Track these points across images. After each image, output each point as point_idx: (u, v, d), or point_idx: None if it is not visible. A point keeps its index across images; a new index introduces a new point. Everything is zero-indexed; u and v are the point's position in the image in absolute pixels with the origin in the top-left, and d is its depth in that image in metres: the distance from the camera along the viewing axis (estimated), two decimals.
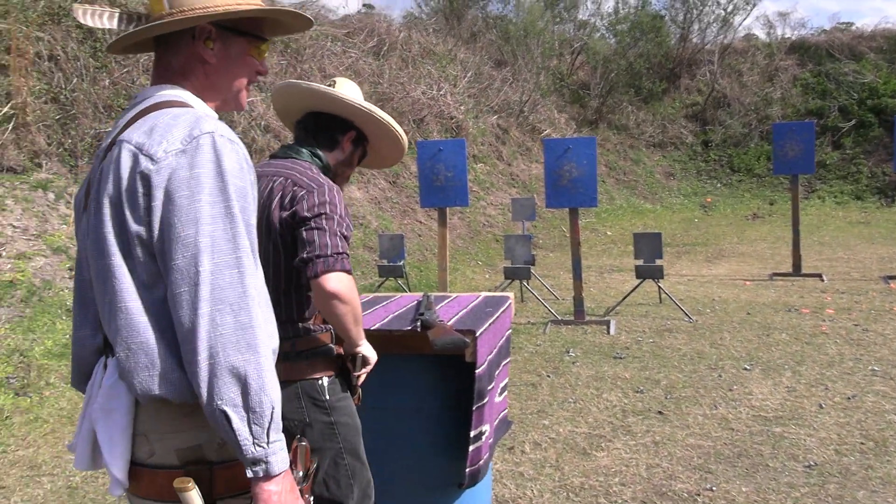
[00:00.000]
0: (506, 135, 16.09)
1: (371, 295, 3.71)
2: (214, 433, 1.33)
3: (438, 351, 2.50)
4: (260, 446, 1.26)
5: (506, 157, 15.41)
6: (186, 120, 1.33)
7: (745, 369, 5.58)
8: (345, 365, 2.26)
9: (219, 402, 1.24)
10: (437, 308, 3.14)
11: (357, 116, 2.34)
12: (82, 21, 1.45)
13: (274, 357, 1.33)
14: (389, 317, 3.01)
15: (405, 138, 2.44)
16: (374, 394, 2.87)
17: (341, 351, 2.27)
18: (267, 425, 1.27)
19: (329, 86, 2.33)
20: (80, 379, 1.49)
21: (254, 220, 1.34)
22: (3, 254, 6.17)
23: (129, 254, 1.31)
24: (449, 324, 2.80)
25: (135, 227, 1.29)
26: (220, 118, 1.58)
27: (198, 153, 1.29)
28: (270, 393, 1.28)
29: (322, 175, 2.22)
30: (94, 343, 1.44)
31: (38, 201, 6.84)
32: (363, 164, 2.54)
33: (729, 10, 21.93)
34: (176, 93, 1.44)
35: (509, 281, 8.23)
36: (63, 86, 7.90)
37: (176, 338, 1.29)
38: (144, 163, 1.28)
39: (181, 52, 1.46)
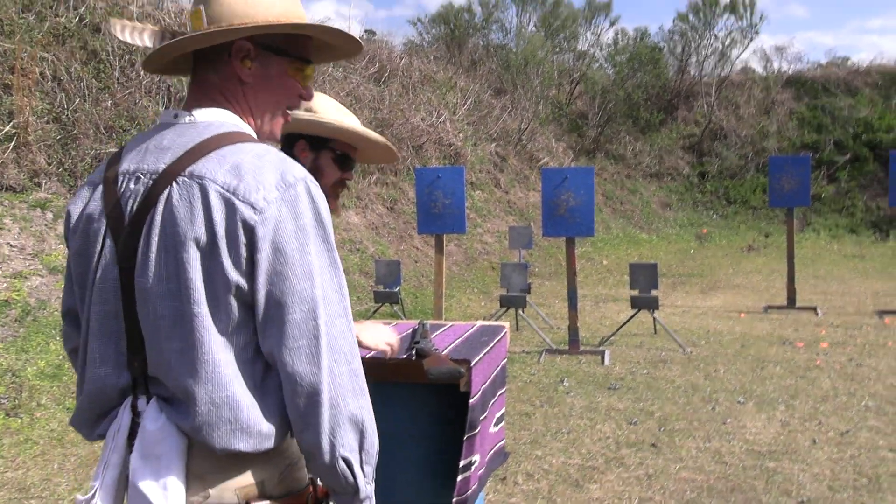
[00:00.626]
0: (504, 162, 16.19)
1: (367, 322, 3.72)
2: (277, 468, 1.33)
3: (433, 381, 2.51)
4: (370, 484, 1.32)
5: (503, 185, 15.49)
6: (273, 162, 1.28)
7: (739, 402, 5.58)
8: None
9: (341, 451, 1.26)
10: (433, 336, 3.15)
11: (295, 127, 2.25)
12: (120, 37, 1.41)
13: None
14: None
15: (359, 129, 2.29)
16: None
17: None
18: (374, 464, 1.33)
19: None
20: (91, 420, 1.38)
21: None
22: (0, 273, 6.17)
23: (217, 303, 1.24)
24: (444, 353, 2.81)
25: (234, 276, 1.23)
26: None
27: (298, 202, 1.25)
28: (375, 432, 1.33)
29: None
30: (119, 383, 1.33)
31: (36, 220, 6.86)
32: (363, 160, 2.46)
33: (726, 43, 22.25)
34: (233, 120, 1.39)
35: (505, 309, 8.24)
36: (65, 106, 7.95)
37: (257, 391, 1.27)
38: (245, 211, 1.22)
39: (220, 71, 1.39)
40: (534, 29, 21.90)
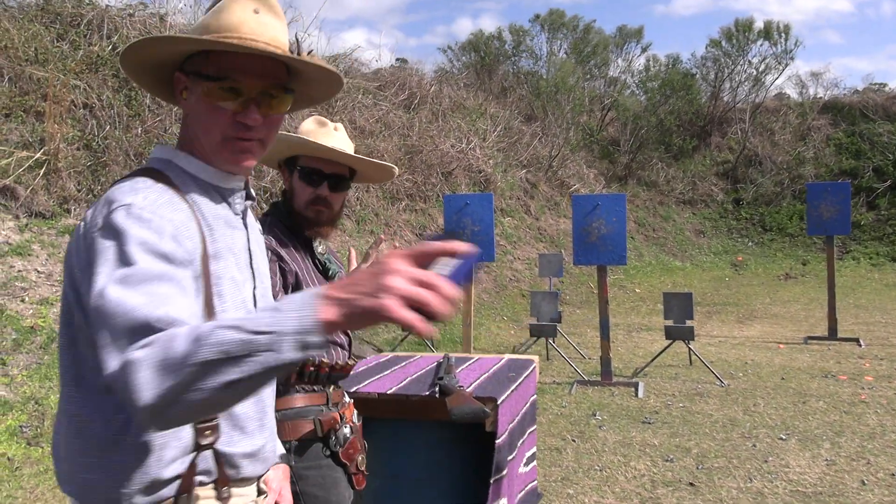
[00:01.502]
0: (534, 189, 16.04)
1: (391, 354, 3.59)
2: None
3: (456, 420, 2.36)
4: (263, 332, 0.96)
5: (534, 212, 15.33)
6: (114, 190, 1.25)
7: (781, 439, 5.32)
8: (328, 430, 2.10)
9: None
10: (458, 371, 3.01)
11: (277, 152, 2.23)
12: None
13: None
14: (407, 380, 2.88)
15: (331, 145, 2.17)
16: (388, 461, 2.73)
17: (333, 417, 2.12)
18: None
19: None
20: None
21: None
22: (27, 299, 6.15)
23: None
24: (469, 390, 2.66)
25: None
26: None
27: (112, 219, 1.20)
28: None
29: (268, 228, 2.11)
30: None
31: (64, 247, 6.85)
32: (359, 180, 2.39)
33: (761, 69, 21.96)
34: (158, 154, 1.38)
35: (535, 338, 8.05)
36: (96, 133, 7.99)
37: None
38: (88, 234, 1.24)
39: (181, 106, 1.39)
40: (564, 55, 21.84)
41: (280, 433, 2.04)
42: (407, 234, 11.57)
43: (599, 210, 7.05)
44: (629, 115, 20.46)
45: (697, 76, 22.26)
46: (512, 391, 2.83)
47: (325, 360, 2.12)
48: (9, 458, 4.72)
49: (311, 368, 2.09)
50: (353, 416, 2.24)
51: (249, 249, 1.40)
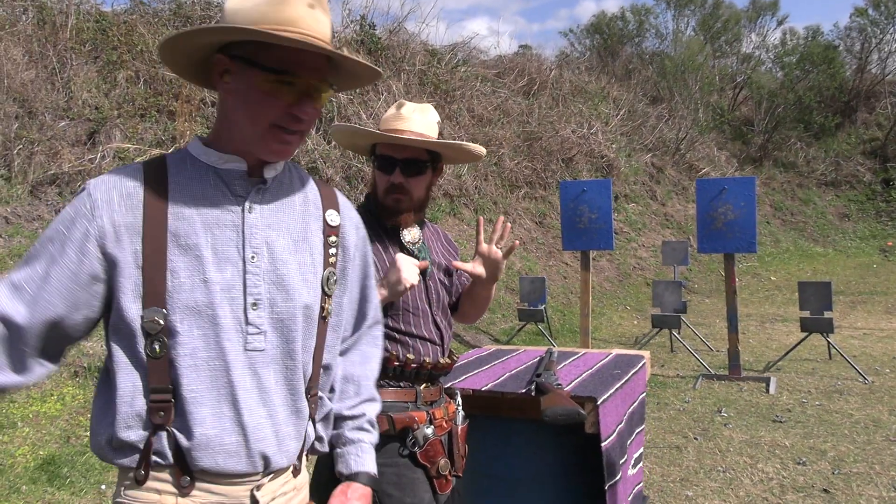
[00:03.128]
0: (660, 174, 15.45)
1: (493, 347, 3.49)
2: None
3: (549, 422, 2.23)
4: None
5: (660, 197, 14.76)
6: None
7: None
8: (404, 429, 2.01)
9: None
10: (559, 367, 2.87)
11: (366, 139, 2.17)
12: None
13: None
14: (505, 375, 2.77)
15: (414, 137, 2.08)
16: (485, 461, 2.63)
17: (411, 415, 2.02)
18: None
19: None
20: None
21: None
22: None
23: None
24: (568, 388, 2.52)
25: None
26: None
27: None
28: None
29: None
30: None
31: None
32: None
33: None
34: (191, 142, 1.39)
35: (658, 329, 7.72)
36: None
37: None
38: None
39: (217, 89, 1.36)
40: (692, 33, 20.90)
41: None
42: (526, 222, 11.41)
43: (726, 195, 6.65)
44: (764, 92, 19.34)
45: (841, 48, 20.76)
46: (616, 390, 2.66)
47: (411, 357, 2.04)
48: None
49: (396, 364, 2.03)
50: (453, 416, 2.13)
51: (243, 231, 1.33)
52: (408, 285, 1.95)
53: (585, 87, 16.05)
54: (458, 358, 2.29)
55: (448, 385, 2.61)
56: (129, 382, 1.26)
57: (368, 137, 2.13)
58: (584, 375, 2.75)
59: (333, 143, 9.17)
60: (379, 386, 2.02)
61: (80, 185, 7.01)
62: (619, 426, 2.67)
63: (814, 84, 19.57)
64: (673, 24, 21.39)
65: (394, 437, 1.99)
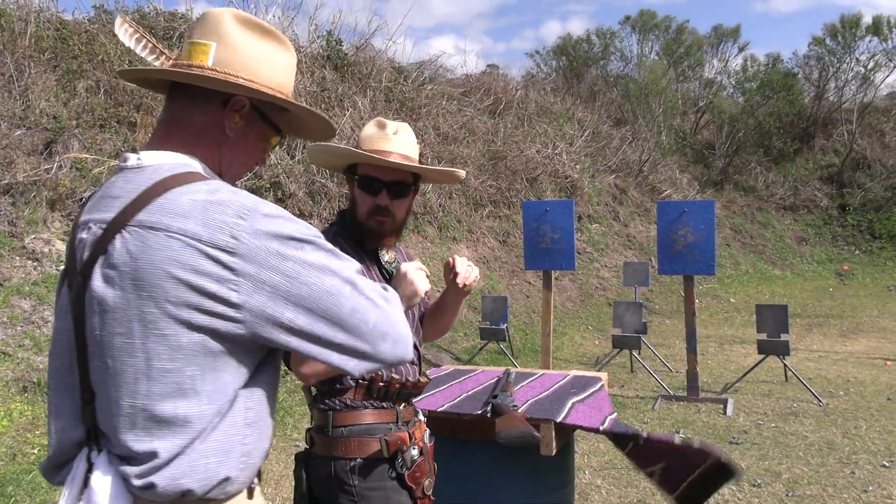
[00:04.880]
0: (623, 195, 15.62)
1: (452, 367, 3.46)
2: None
3: (503, 444, 2.20)
4: None
5: (622, 218, 14.92)
6: (226, 197, 1.23)
7: (884, 466, 4.90)
8: (393, 453, 1.98)
9: None
10: (517, 388, 2.85)
11: (347, 160, 2.15)
12: (118, 34, 1.42)
13: None
14: (462, 396, 2.74)
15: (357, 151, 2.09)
16: (442, 483, 2.60)
17: (400, 437, 2.00)
18: None
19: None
20: (52, 469, 1.34)
21: None
22: None
23: (189, 361, 1.18)
24: (523, 409, 2.50)
25: (204, 330, 1.19)
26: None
27: (270, 222, 1.25)
28: None
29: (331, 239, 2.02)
30: (74, 436, 1.28)
31: None
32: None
33: (869, 67, 20.78)
34: (181, 160, 1.32)
35: (618, 350, 7.77)
36: None
37: (218, 436, 1.23)
38: (218, 255, 1.17)
39: (207, 113, 1.35)
40: (656, 57, 21.25)
41: (345, 450, 1.96)
42: (490, 240, 11.43)
43: (686, 217, 6.73)
44: (725, 117, 19.71)
45: (799, 76, 21.26)
46: (573, 405, 2.65)
47: (396, 377, 2.02)
48: None
49: (381, 384, 2.00)
50: (425, 436, 2.12)
51: None
52: (423, 294, 1.94)
53: (551, 107, 16.20)
54: (430, 377, 2.28)
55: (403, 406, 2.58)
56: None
57: (352, 158, 2.10)
58: (540, 396, 2.73)
59: (297, 158, 9.10)
60: (363, 408, 1.99)
61: (34, 196, 6.90)
62: (610, 417, 2.66)
63: (773, 110, 19.99)
64: (637, 48, 21.76)
65: (384, 459, 1.97)
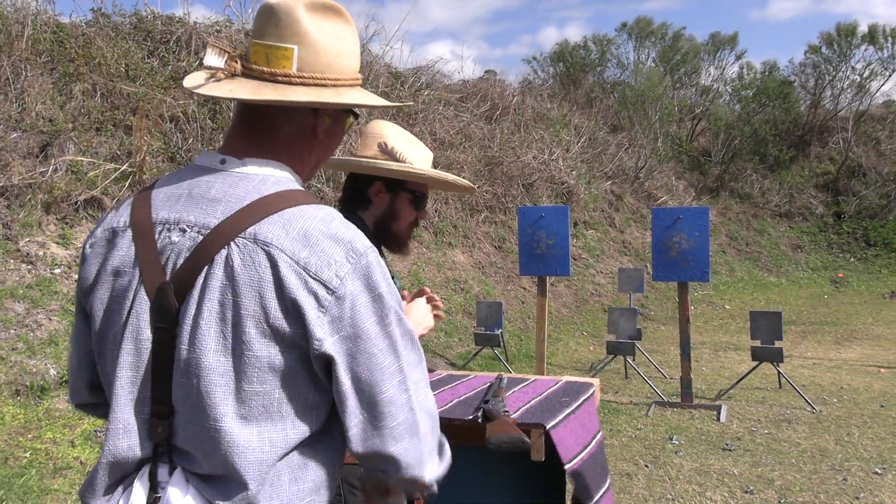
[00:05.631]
0: (619, 201, 15.66)
1: (444, 372, 3.47)
2: None
3: (493, 450, 2.21)
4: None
5: (618, 224, 14.95)
6: (340, 231, 1.19)
7: (877, 473, 4.91)
8: None
9: None
10: (508, 394, 2.85)
11: (371, 171, 2.13)
12: (208, 62, 1.28)
13: None
14: (454, 401, 2.75)
15: (442, 175, 2.22)
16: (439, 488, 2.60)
17: None
18: None
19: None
20: (102, 489, 1.23)
21: None
22: None
23: (278, 385, 1.17)
24: (515, 415, 2.51)
25: (293, 356, 1.16)
26: None
27: (371, 274, 1.19)
28: None
29: None
30: (141, 454, 1.20)
31: None
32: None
33: (865, 75, 20.85)
34: (284, 174, 1.27)
35: (613, 356, 7.78)
36: (180, 145, 8.23)
37: (308, 472, 1.22)
38: (319, 290, 1.14)
39: (295, 120, 1.29)
40: (652, 64, 21.32)
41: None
42: (486, 246, 11.45)
43: (681, 224, 6.75)
44: (721, 124, 19.75)
45: (796, 84, 21.34)
46: (567, 416, 2.66)
47: None
48: (81, 462, 4.84)
49: None
50: None
51: None
52: (426, 331, 2.04)
53: (547, 113, 16.24)
54: None
55: None
56: None
57: (440, 183, 2.27)
58: (532, 402, 2.74)
59: None
60: None
61: (29, 198, 6.90)
62: (588, 450, 2.66)
63: (769, 118, 20.06)
64: (634, 55, 21.82)
65: None
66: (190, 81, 1.29)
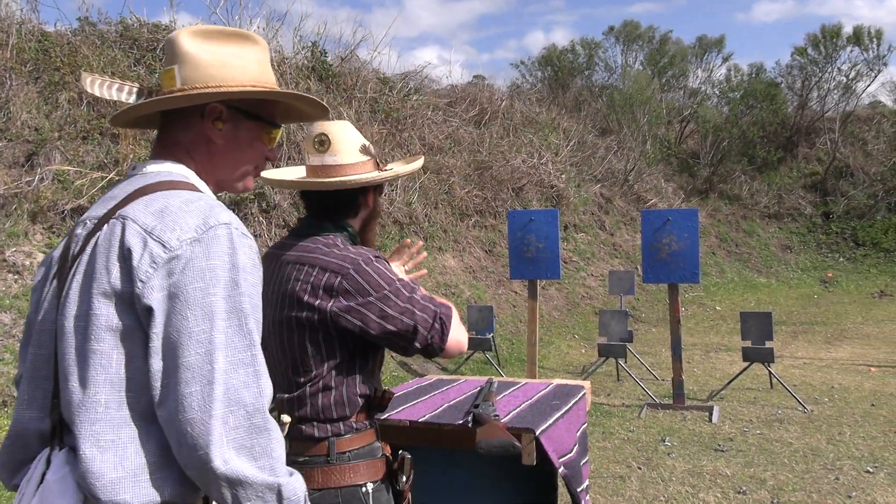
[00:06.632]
0: (609, 204, 15.69)
1: (435, 377, 3.45)
2: None
3: (484, 454, 2.19)
4: None
5: (608, 227, 14.97)
6: (200, 207, 1.26)
7: (868, 472, 4.91)
8: (391, 468, 1.94)
9: None
10: (499, 398, 2.84)
11: (370, 184, 2.05)
12: (89, 90, 1.43)
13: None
14: (444, 406, 2.73)
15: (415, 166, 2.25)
16: (425, 493, 2.58)
17: (387, 450, 1.98)
18: None
19: (320, 146, 1.99)
20: (11, 466, 1.31)
21: (261, 318, 1.27)
22: None
23: (119, 342, 1.19)
24: (506, 419, 2.49)
25: (131, 317, 1.19)
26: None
27: (213, 244, 1.21)
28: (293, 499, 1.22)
29: (351, 246, 1.95)
30: (40, 427, 1.25)
31: None
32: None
33: (851, 76, 20.99)
34: (180, 170, 1.38)
35: (604, 358, 7.77)
36: None
37: (153, 439, 1.19)
38: (155, 248, 1.20)
39: (189, 129, 1.40)
40: (640, 67, 21.40)
41: (354, 475, 1.84)
42: (476, 250, 11.43)
43: (670, 226, 6.76)
44: (710, 126, 19.85)
45: (782, 85, 21.47)
46: (557, 419, 2.64)
47: (388, 390, 1.98)
48: None
49: (381, 401, 1.94)
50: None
51: None
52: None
53: (536, 117, 16.26)
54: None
55: (385, 416, 2.56)
56: None
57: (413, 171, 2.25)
58: (522, 406, 2.72)
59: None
60: (365, 429, 1.92)
61: (15, 208, 6.85)
62: (570, 455, 2.65)
63: (757, 119, 20.16)
64: (622, 59, 21.90)
65: (382, 478, 1.91)
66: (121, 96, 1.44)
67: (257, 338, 1.23)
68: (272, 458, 1.20)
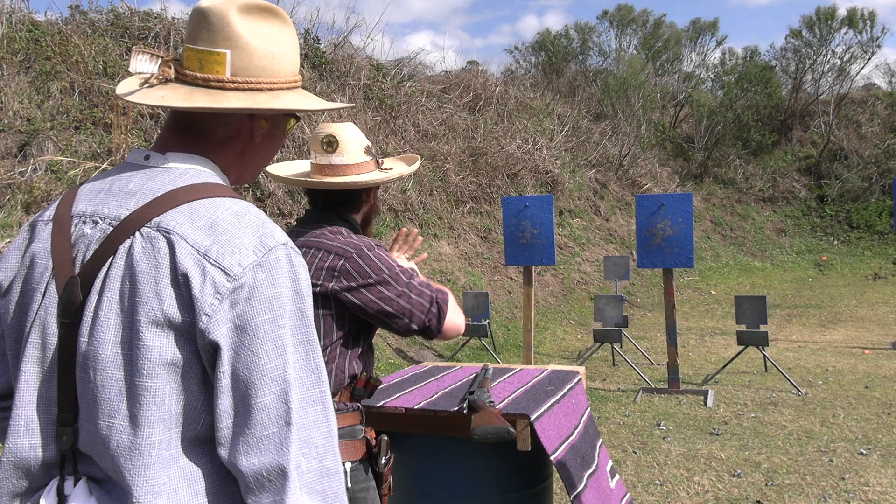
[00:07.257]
0: (604, 189, 15.69)
1: (430, 364, 3.47)
2: None
3: (478, 441, 2.21)
4: None
5: (603, 213, 14.98)
6: (252, 222, 1.13)
7: (861, 454, 4.96)
8: (371, 449, 2.04)
9: None
10: (494, 385, 2.85)
11: (377, 184, 2.21)
12: (135, 68, 1.25)
13: None
14: (439, 393, 2.74)
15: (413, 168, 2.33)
16: (420, 479, 2.60)
17: (372, 434, 2.05)
18: None
19: (328, 146, 2.11)
20: (7, 500, 1.17)
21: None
22: None
23: (169, 379, 1.08)
24: (501, 405, 2.51)
25: (187, 349, 1.08)
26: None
27: (276, 269, 1.10)
28: None
29: (354, 235, 2.09)
30: (45, 456, 1.13)
31: None
32: None
33: (845, 59, 20.97)
34: (210, 168, 1.24)
35: (600, 344, 7.80)
36: None
37: (202, 476, 1.11)
38: (217, 276, 1.07)
39: (231, 124, 1.26)
40: (634, 52, 21.34)
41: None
42: (471, 237, 11.44)
43: (664, 210, 6.77)
44: (704, 110, 19.82)
45: (777, 68, 21.41)
46: (552, 405, 2.66)
47: (374, 375, 2.09)
48: None
49: (367, 384, 2.05)
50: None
51: None
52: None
53: (530, 103, 16.23)
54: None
55: (381, 403, 2.58)
56: None
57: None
58: (517, 392, 2.74)
59: (276, 158, 9.05)
60: (347, 410, 2.00)
61: (8, 199, 6.83)
62: (570, 440, 2.66)
63: (752, 103, 20.14)
64: (616, 43, 21.84)
65: (362, 459, 2.01)
66: (122, 88, 1.26)
67: (325, 373, 1.15)
68: (342, 501, 1.13)
